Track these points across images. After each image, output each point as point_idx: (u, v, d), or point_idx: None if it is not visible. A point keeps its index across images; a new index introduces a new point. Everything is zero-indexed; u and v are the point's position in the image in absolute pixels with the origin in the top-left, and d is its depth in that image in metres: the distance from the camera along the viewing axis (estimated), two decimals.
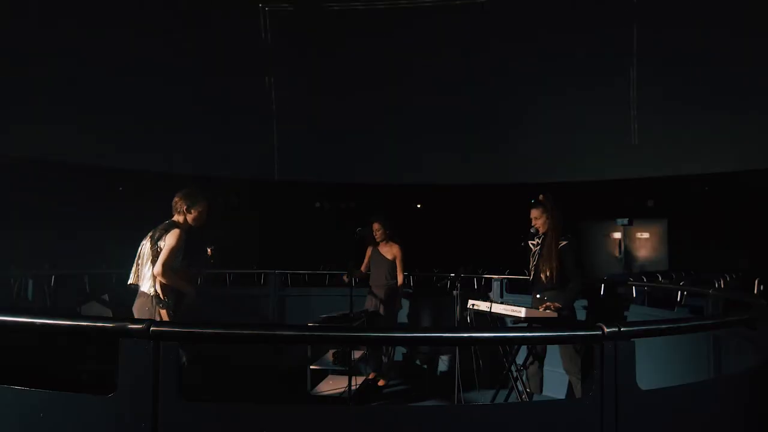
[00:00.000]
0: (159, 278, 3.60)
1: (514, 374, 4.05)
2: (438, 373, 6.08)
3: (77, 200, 10.43)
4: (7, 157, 9.89)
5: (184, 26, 8.02)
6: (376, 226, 5.43)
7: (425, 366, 6.21)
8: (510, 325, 4.06)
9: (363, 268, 5.59)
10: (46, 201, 10.01)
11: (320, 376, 5.18)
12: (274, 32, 8.20)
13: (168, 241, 3.64)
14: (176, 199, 3.83)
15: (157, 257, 3.63)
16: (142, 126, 10.44)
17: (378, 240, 5.45)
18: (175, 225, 3.75)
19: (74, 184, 10.62)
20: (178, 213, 3.82)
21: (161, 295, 3.62)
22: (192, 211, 3.80)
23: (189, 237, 3.84)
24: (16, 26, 7.57)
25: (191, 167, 11.58)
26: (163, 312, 3.63)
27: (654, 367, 3.78)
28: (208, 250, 4.06)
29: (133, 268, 3.80)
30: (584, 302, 4.98)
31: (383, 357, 5.47)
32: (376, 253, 5.49)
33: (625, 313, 4.75)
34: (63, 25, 7.73)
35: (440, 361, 6.07)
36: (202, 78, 9.25)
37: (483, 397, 5.12)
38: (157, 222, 3.84)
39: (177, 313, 3.65)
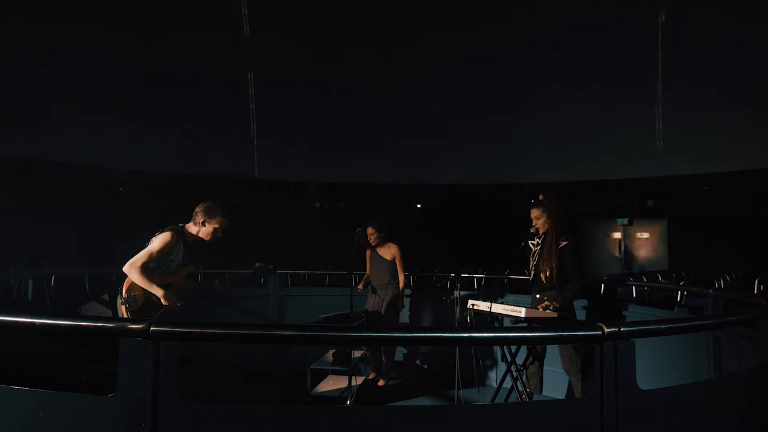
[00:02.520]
0: (128, 273, 3.51)
1: (514, 374, 4.05)
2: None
3: (77, 200, 10.43)
4: (7, 157, 9.90)
5: (180, 26, 8.02)
6: (369, 230, 5.39)
7: (425, 365, 6.21)
8: (510, 324, 4.05)
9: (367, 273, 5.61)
10: (45, 201, 10.01)
11: (320, 376, 5.18)
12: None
13: (153, 242, 3.58)
14: (197, 209, 3.77)
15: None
16: (143, 126, 10.45)
17: (373, 244, 5.43)
18: (175, 230, 3.67)
19: (74, 184, 10.62)
20: (194, 223, 3.77)
21: (123, 292, 3.54)
22: (207, 224, 3.74)
23: (194, 247, 3.79)
24: (23, 27, 7.58)
25: (190, 168, 11.60)
26: (123, 308, 3.54)
27: (654, 367, 3.78)
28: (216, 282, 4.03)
29: None
30: (584, 302, 4.97)
31: (381, 357, 5.47)
32: (375, 255, 5.48)
33: (625, 313, 4.75)
34: (63, 26, 7.74)
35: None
36: (199, 78, 9.25)
37: (483, 397, 5.12)
38: (157, 221, 3.82)
39: (141, 313, 3.55)
